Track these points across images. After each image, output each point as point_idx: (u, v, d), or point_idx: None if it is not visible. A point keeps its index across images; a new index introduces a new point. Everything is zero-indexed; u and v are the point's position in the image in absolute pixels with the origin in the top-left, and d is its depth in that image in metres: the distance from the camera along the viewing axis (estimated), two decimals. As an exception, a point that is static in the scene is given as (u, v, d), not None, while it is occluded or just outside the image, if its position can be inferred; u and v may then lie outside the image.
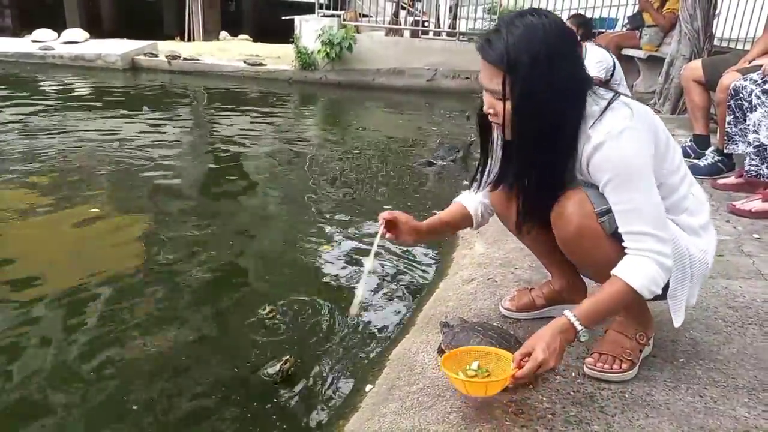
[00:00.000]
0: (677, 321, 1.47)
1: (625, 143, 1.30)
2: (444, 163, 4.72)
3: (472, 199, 1.68)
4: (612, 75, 4.71)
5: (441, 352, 1.65)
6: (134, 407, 1.78)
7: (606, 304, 1.36)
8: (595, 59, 4.63)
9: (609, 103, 1.33)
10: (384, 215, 1.60)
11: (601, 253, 1.40)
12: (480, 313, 1.87)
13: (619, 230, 1.36)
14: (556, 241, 1.49)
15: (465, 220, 1.69)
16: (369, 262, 1.60)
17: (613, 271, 1.35)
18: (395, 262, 2.84)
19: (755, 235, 2.51)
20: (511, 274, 2.14)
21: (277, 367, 1.87)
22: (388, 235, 1.60)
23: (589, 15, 8.70)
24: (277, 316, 2.28)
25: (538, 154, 1.36)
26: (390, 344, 2.04)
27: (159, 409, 1.78)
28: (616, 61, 4.75)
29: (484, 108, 1.38)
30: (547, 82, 1.27)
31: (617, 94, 1.37)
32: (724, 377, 1.52)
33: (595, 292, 1.41)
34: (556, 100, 1.30)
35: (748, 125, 2.80)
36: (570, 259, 1.54)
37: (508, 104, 1.30)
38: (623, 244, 1.36)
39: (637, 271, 1.32)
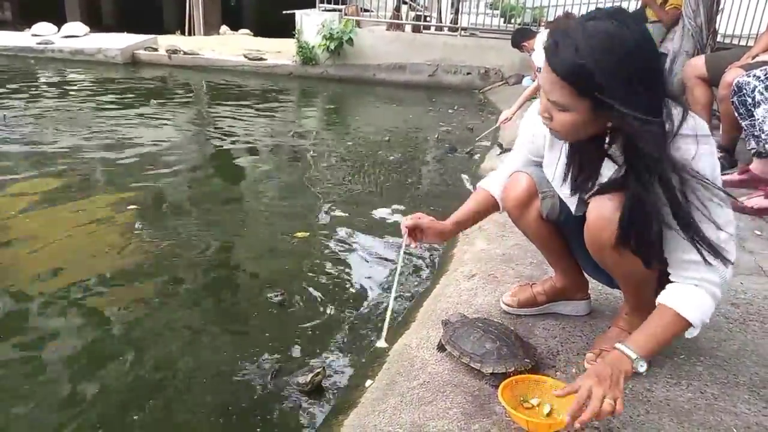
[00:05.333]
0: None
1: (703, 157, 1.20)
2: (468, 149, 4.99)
3: (496, 183, 1.61)
4: None
5: (441, 348, 1.65)
6: (132, 400, 1.78)
7: (662, 336, 1.28)
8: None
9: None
10: (406, 224, 1.49)
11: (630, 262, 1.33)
12: (480, 309, 1.86)
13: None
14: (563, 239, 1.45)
15: (493, 207, 1.63)
16: (395, 282, 1.42)
17: (666, 302, 1.28)
18: (395, 258, 2.83)
19: (757, 232, 2.51)
20: (512, 270, 2.14)
21: (308, 378, 1.81)
22: (413, 245, 1.49)
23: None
24: (277, 306, 2.28)
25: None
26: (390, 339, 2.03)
27: (161, 402, 1.78)
28: None
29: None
30: None
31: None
32: (725, 374, 1.51)
33: (646, 324, 1.30)
34: None
35: (757, 119, 2.78)
36: (597, 261, 1.44)
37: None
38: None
39: (692, 302, 1.26)
